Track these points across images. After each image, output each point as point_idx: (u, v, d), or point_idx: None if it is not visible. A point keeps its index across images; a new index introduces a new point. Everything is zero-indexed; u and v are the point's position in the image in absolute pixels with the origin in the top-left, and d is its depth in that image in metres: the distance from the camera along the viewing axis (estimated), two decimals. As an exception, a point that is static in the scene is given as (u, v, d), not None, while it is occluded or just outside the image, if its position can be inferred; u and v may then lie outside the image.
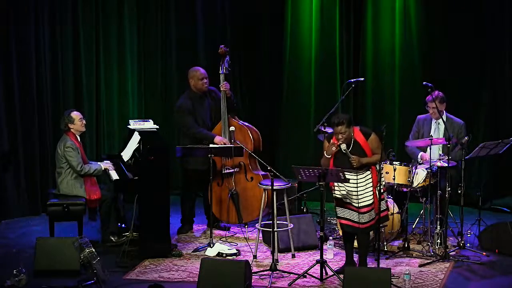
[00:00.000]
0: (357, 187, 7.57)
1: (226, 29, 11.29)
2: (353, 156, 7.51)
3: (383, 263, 8.05)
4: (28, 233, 9.38)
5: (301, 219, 8.78)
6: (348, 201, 7.62)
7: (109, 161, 8.99)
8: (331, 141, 7.57)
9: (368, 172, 7.59)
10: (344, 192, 7.61)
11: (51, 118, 10.35)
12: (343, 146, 7.53)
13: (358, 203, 7.59)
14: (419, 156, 8.91)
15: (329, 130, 8.06)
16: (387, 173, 8.53)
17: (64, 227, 8.88)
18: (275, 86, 11.37)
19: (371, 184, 7.58)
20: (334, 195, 7.71)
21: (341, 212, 7.69)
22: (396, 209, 8.67)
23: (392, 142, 10.40)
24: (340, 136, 7.49)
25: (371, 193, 7.58)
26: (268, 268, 7.80)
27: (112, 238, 8.72)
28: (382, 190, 7.65)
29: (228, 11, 11.31)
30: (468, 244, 8.64)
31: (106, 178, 9.11)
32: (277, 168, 8.80)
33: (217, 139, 9.01)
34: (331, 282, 7.60)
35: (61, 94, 10.54)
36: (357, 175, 7.55)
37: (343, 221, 7.69)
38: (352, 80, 8.96)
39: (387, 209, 7.86)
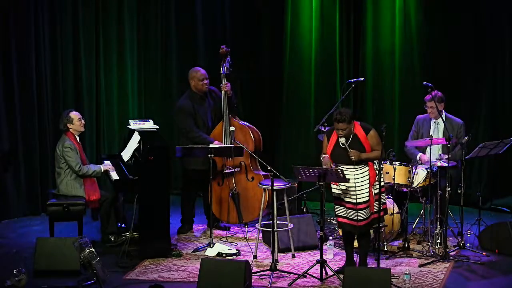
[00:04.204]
0: (355, 183, 7.57)
1: (226, 29, 11.29)
2: (352, 150, 7.51)
3: (383, 263, 8.05)
4: (28, 233, 9.38)
5: (301, 219, 8.79)
6: (346, 198, 7.62)
7: (109, 163, 8.99)
8: (325, 160, 7.57)
9: (366, 168, 7.59)
10: (344, 188, 7.60)
11: (51, 118, 10.35)
12: (342, 140, 7.53)
13: (356, 199, 7.59)
14: (418, 157, 8.91)
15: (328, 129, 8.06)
16: (387, 173, 8.53)
17: (64, 227, 8.88)
18: (275, 86, 11.37)
19: (368, 181, 7.59)
20: (333, 191, 7.71)
21: (340, 210, 7.69)
22: (396, 209, 8.67)
23: (392, 142, 10.40)
24: (340, 132, 7.51)
25: (368, 189, 7.58)
26: (268, 268, 7.80)
27: (112, 238, 8.72)
28: (379, 191, 7.63)
29: (228, 11, 11.31)
30: (468, 244, 8.64)
31: (106, 178, 9.11)
32: (277, 168, 8.80)
33: (215, 144, 8.99)
34: (331, 282, 7.61)
35: (61, 94, 10.54)
36: (355, 170, 7.55)
37: (342, 220, 7.69)
38: (352, 80, 8.97)
39: (384, 210, 7.80)
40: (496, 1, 10.38)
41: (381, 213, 7.69)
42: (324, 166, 7.55)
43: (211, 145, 8.73)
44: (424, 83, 8.56)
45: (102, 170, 8.79)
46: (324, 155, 7.65)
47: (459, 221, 8.62)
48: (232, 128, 9.06)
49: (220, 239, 8.96)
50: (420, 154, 8.93)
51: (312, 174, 7.45)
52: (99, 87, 10.89)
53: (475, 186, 10.42)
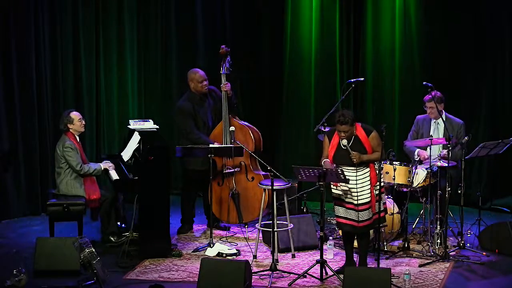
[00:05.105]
0: (356, 184, 7.57)
1: (226, 29, 11.29)
2: (353, 152, 7.51)
3: (383, 263, 8.05)
4: (28, 233, 9.38)
5: (301, 219, 8.78)
6: (347, 199, 7.62)
7: (109, 161, 9.00)
8: (326, 165, 7.57)
9: (367, 170, 7.60)
10: (346, 189, 7.60)
11: (51, 118, 10.35)
12: (344, 142, 7.53)
13: (357, 200, 7.59)
14: (416, 153, 8.90)
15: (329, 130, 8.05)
16: (387, 173, 8.53)
17: (64, 227, 8.88)
18: (275, 86, 11.37)
19: (369, 182, 7.59)
20: (332, 192, 7.71)
21: (339, 210, 7.69)
22: (396, 209, 8.67)
23: (392, 142, 10.40)
24: (342, 134, 7.51)
25: (369, 190, 7.58)
26: (268, 268, 7.80)
27: (112, 238, 8.73)
28: (379, 191, 7.63)
29: (228, 11, 11.31)
30: (468, 244, 8.64)
31: (106, 178, 9.12)
32: (277, 168, 8.80)
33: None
34: (331, 282, 7.61)
35: (61, 94, 10.55)
36: (356, 172, 7.56)
37: (341, 220, 7.69)
38: (352, 80, 8.96)
39: (385, 210, 7.82)
40: (496, 1, 10.38)
41: (382, 214, 7.70)
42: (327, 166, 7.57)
43: (211, 145, 8.72)
44: (424, 83, 8.55)
45: (102, 168, 8.81)
46: (325, 160, 7.64)
47: (459, 221, 8.62)
48: (232, 128, 9.06)
49: (220, 239, 8.96)
50: (418, 150, 8.92)
51: (312, 174, 7.45)
52: (99, 87, 10.89)
53: (475, 186, 10.42)
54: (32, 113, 10.22)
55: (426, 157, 8.69)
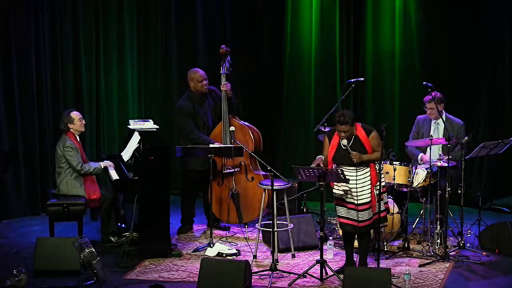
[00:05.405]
0: (356, 184, 7.57)
1: (226, 29, 11.29)
2: (354, 152, 7.51)
3: (383, 263, 8.05)
4: (28, 233, 9.38)
5: (301, 219, 8.79)
6: (347, 199, 7.62)
7: (109, 160, 9.00)
8: (317, 161, 7.59)
9: (367, 169, 7.60)
10: (346, 189, 7.60)
11: (51, 118, 10.35)
12: (344, 142, 7.54)
13: (357, 200, 7.59)
14: (419, 158, 8.91)
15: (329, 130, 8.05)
16: (387, 173, 8.53)
17: (64, 227, 8.88)
18: (275, 86, 11.37)
19: (369, 182, 7.59)
20: (334, 192, 7.71)
21: (341, 210, 7.69)
22: (396, 209, 8.67)
23: (392, 142, 10.40)
24: (342, 134, 7.52)
25: (369, 190, 7.59)
26: (268, 268, 7.80)
27: (112, 239, 8.73)
28: (381, 191, 7.64)
29: (228, 11, 11.31)
30: (468, 244, 8.64)
31: (106, 178, 9.12)
32: (277, 168, 8.80)
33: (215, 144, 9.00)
34: (331, 282, 7.61)
35: (61, 94, 10.55)
36: (356, 172, 7.56)
37: (343, 220, 7.69)
38: (352, 80, 8.96)
39: (386, 210, 7.83)
40: (496, 1, 10.38)
41: (382, 214, 7.69)
42: (313, 165, 7.56)
43: (211, 145, 8.72)
44: (424, 83, 8.55)
45: (102, 167, 8.83)
46: (318, 156, 7.66)
47: (459, 221, 8.62)
48: (232, 128, 9.06)
49: (220, 239, 8.96)
50: (421, 154, 8.93)
51: (312, 174, 7.46)
52: (99, 87, 10.89)
53: (475, 186, 10.42)
54: (32, 113, 10.22)
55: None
